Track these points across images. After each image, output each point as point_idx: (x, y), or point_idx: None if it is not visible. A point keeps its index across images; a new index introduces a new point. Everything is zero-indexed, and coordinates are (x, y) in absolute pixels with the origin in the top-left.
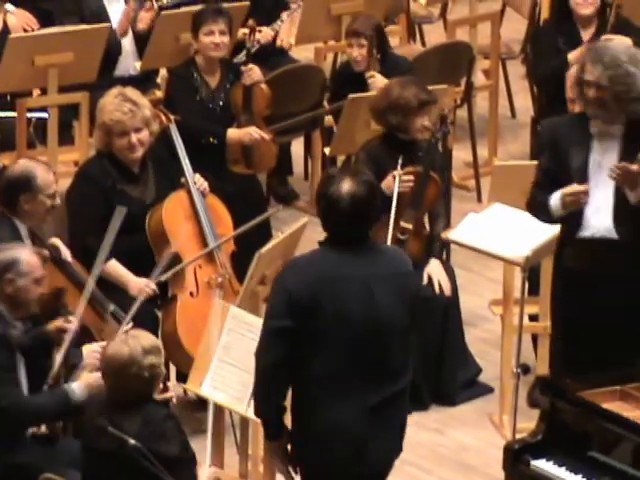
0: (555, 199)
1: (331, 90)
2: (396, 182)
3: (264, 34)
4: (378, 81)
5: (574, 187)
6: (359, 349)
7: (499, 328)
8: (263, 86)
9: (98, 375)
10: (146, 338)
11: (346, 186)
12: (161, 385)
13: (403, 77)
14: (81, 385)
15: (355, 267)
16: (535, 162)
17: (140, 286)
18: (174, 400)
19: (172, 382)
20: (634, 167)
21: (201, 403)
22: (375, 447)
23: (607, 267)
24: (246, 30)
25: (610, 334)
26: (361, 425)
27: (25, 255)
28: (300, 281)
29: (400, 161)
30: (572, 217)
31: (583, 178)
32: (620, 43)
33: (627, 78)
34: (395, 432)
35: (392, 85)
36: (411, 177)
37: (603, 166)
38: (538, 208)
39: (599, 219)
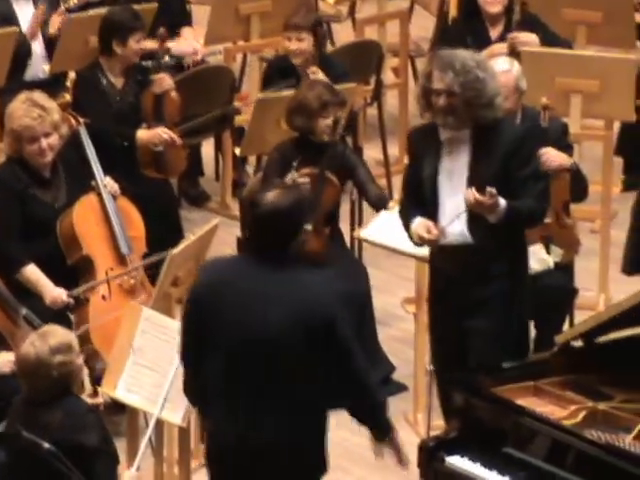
0: (414, 226)
1: (263, 83)
2: None
3: (177, 46)
4: (320, 78)
5: (423, 233)
6: (239, 365)
7: (412, 326)
8: (173, 94)
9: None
10: (54, 336)
11: (272, 194)
12: (91, 389)
13: (315, 79)
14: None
15: (260, 281)
16: None
17: (55, 296)
18: (102, 407)
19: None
20: (484, 199)
21: (116, 406)
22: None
23: (468, 270)
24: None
25: (473, 334)
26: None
27: None
28: (202, 280)
29: (295, 164)
30: None
31: (433, 186)
32: (465, 51)
33: (477, 83)
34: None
35: (302, 86)
36: (306, 179)
37: (454, 172)
38: (403, 224)
39: (453, 226)
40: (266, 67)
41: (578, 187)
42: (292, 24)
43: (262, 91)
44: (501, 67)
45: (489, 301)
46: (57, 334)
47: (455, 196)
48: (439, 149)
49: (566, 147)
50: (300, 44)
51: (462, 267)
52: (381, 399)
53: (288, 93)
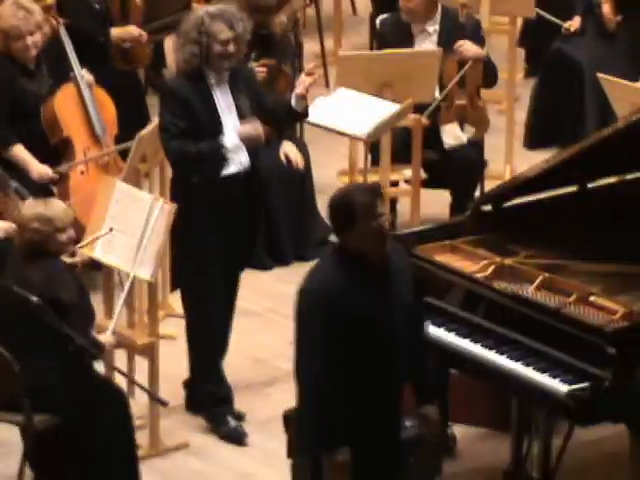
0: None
1: None
2: None
3: None
4: None
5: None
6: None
7: None
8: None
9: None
10: (43, 207)
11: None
12: (70, 250)
13: None
14: None
15: None
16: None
17: (41, 171)
18: (78, 265)
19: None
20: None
21: (93, 265)
22: None
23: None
24: None
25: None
26: None
27: None
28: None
29: (253, 55)
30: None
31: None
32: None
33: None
34: None
35: None
36: (264, 69)
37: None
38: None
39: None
40: None
41: (489, 74)
42: None
43: None
44: None
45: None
46: (49, 205)
47: (233, 130)
48: (210, 91)
49: (480, 40)
50: None
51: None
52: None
53: None
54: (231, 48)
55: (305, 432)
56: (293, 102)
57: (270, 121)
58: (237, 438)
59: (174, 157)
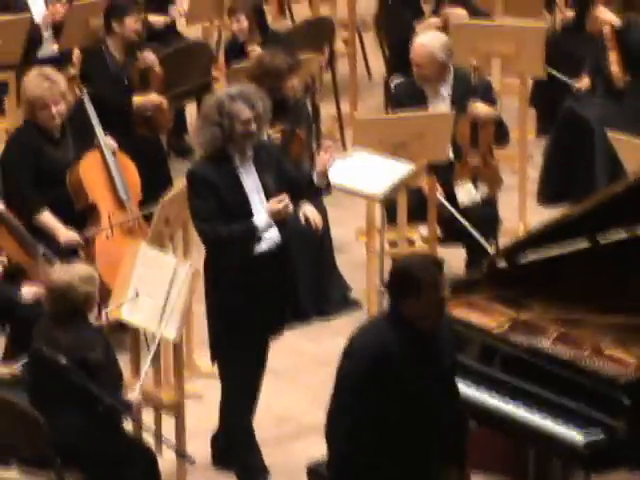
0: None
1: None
2: None
3: (157, 20)
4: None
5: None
6: None
7: (364, 253)
8: (157, 69)
9: (10, 372)
10: (83, 269)
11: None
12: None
13: (272, 48)
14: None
15: None
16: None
17: (68, 237)
18: (105, 327)
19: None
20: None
21: (120, 327)
22: None
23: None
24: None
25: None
26: None
27: None
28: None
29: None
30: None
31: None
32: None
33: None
34: None
35: (264, 55)
36: (278, 135)
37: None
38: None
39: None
40: (225, 43)
41: (501, 134)
42: (230, 9)
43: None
44: (419, 41)
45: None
46: (82, 268)
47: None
48: (236, 174)
49: (491, 101)
50: (240, 25)
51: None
52: None
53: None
54: (253, 127)
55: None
56: (315, 179)
57: (292, 192)
58: None
59: (208, 240)
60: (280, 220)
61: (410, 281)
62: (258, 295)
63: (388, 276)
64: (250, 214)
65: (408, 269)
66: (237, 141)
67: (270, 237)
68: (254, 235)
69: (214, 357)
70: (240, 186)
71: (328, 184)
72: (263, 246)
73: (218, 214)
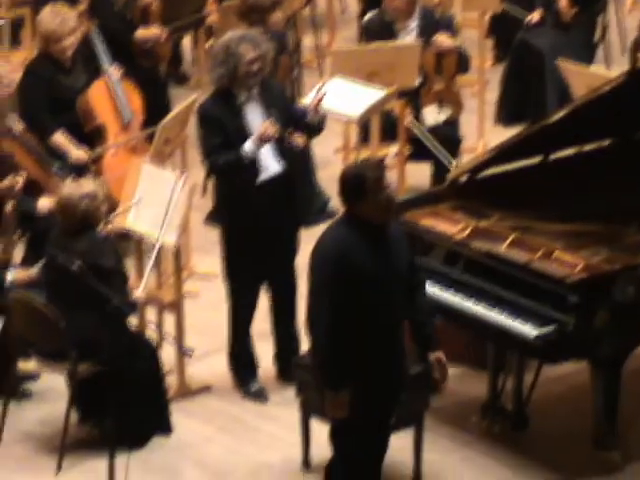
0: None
1: None
2: None
3: None
4: None
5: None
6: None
7: (341, 168)
8: (155, 5)
9: (28, 274)
10: (86, 186)
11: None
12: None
13: None
14: (14, 276)
15: None
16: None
17: (78, 155)
18: (113, 234)
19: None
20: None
21: (125, 235)
22: None
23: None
24: None
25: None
26: None
27: None
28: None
29: None
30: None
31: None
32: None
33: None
34: None
35: None
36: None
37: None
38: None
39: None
40: None
41: (462, 63)
42: None
43: None
44: None
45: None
46: (88, 185)
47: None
48: (242, 108)
49: (453, 33)
50: None
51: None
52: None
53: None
54: (255, 67)
55: (319, 374)
56: (308, 117)
57: (295, 129)
58: (257, 398)
59: (211, 170)
60: (265, 142)
61: (357, 183)
62: (262, 221)
63: (339, 184)
64: None
65: (354, 173)
66: (241, 80)
67: (269, 167)
68: (243, 160)
69: (225, 277)
70: (244, 121)
71: (321, 121)
72: (263, 176)
73: (223, 147)
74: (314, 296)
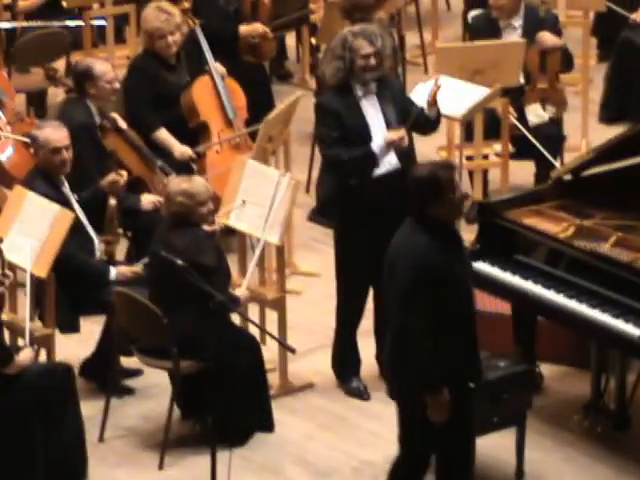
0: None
1: None
2: None
3: None
4: None
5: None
6: None
7: None
8: (266, 0)
9: (132, 270)
10: (188, 183)
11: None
12: (210, 220)
13: None
14: (118, 272)
15: None
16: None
17: (182, 151)
18: (217, 232)
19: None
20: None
21: (229, 232)
22: None
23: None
24: None
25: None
26: None
27: None
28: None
29: None
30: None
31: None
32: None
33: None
34: None
35: None
36: None
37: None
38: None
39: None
40: None
41: (566, 61)
42: None
43: None
44: None
45: None
46: (193, 182)
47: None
48: (358, 104)
49: (557, 31)
50: None
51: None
52: None
53: None
54: (372, 61)
55: (418, 379)
56: (426, 110)
57: (413, 126)
58: (359, 395)
59: (332, 164)
60: (395, 149)
61: (433, 184)
62: (377, 215)
63: (412, 187)
64: (370, 141)
65: (428, 174)
66: (358, 73)
67: (388, 162)
68: (370, 159)
69: (338, 275)
70: (361, 115)
71: (439, 114)
72: (382, 169)
73: (341, 140)
74: (407, 303)
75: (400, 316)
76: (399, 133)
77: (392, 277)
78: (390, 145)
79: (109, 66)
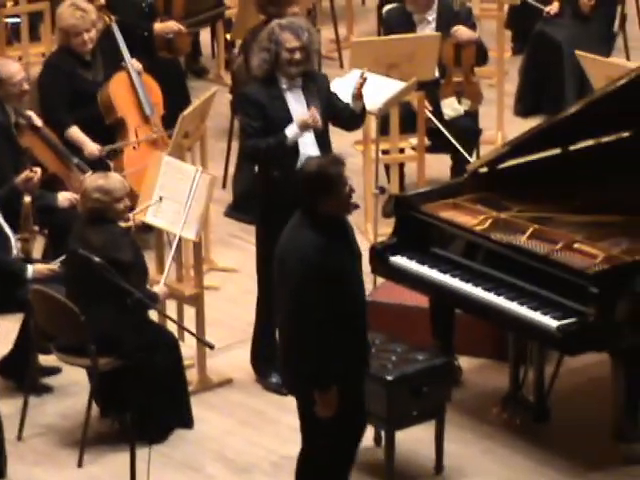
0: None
1: None
2: None
3: None
4: None
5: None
6: None
7: (361, 161)
8: None
9: (49, 268)
10: (107, 179)
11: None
12: (126, 217)
13: None
14: (35, 270)
15: None
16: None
17: (91, 150)
18: (133, 228)
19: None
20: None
21: (145, 228)
22: None
23: None
24: None
25: None
26: None
27: None
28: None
29: None
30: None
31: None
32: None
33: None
34: None
35: None
36: None
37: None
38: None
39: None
40: None
41: (481, 54)
42: None
43: None
44: None
45: None
46: (110, 179)
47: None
48: (283, 96)
49: (472, 25)
50: None
51: None
52: None
53: None
54: (297, 55)
55: (308, 376)
56: (351, 104)
57: (338, 122)
58: (278, 390)
59: (250, 154)
60: (307, 130)
61: (322, 179)
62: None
63: (302, 183)
64: None
65: (317, 170)
66: (283, 66)
67: (310, 154)
68: (285, 144)
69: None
70: (285, 108)
71: (364, 108)
72: (303, 160)
73: (263, 131)
74: (297, 300)
75: (290, 313)
76: (311, 113)
77: (282, 273)
78: (304, 127)
79: (17, 67)
